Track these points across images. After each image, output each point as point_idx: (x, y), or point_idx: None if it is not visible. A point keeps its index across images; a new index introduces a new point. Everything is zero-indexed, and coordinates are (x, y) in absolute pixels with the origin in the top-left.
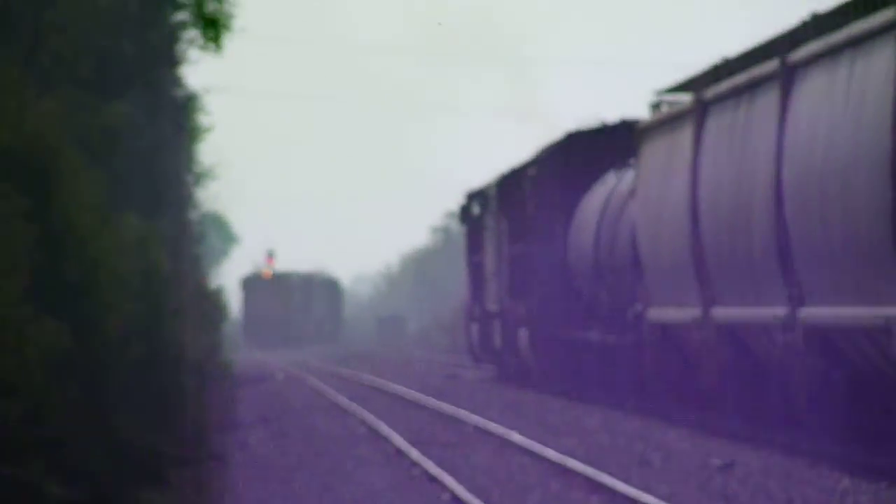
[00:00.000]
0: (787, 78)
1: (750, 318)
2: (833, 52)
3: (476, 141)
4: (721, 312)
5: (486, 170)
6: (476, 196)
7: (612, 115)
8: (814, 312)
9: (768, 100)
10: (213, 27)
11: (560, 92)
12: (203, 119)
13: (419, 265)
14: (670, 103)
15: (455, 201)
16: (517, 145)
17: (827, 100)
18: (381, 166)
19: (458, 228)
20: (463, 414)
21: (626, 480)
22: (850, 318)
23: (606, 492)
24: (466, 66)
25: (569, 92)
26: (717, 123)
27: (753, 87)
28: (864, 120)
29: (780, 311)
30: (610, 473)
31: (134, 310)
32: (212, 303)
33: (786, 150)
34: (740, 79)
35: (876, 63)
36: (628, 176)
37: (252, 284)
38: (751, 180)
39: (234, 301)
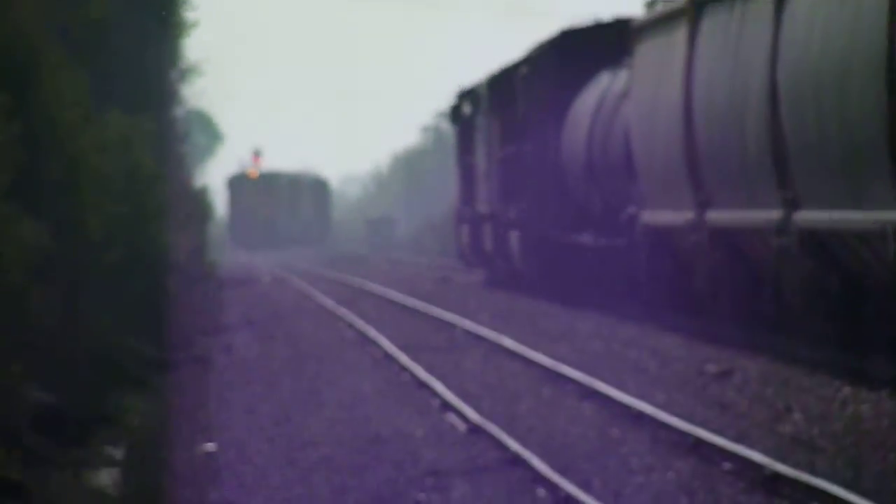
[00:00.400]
0: None
1: (744, 222)
2: None
3: (471, 38)
4: (715, 216)
5: (480, 68)
6: (467, 95)
7: (609, 13)
8: (809, 216)
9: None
10: None
11: None
12: (188, 13)
13: (409, 166)
14: (666, 2)
15: (447, 100)
16: (513, 43)
17: None
18: (371, 64)
19: (449, 129)
20: (453, 318)
21: (621, 387)
22: (845, 222)
23: (600, 399)
24: None
25: None
26: (711, 23)
27: None
28: (861, 19)
29: (774, 214)
30: (603, 380)
31: (116, 210)
32: (196, 203)
33: (781, 51)
34: None
35: None
36: (623, 76)
37: (238, 184)
38: (745, 81)
39: (220, 201)
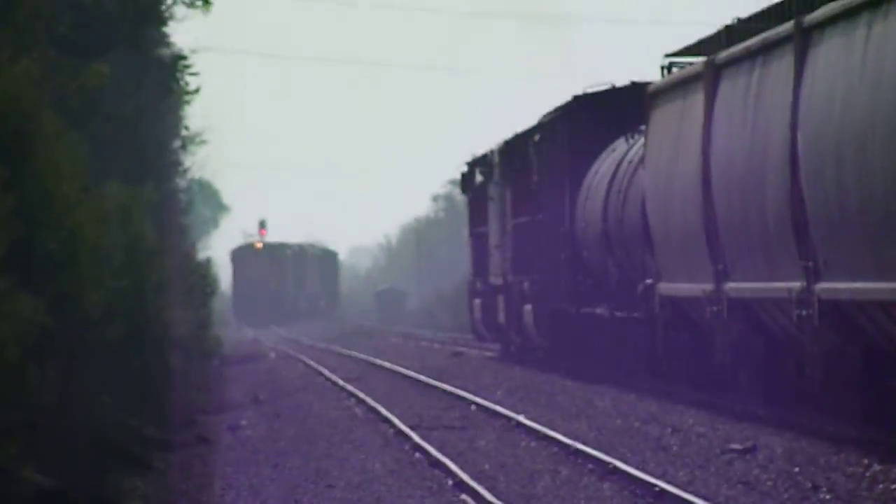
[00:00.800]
0: (803, 40)
1: (764, 292)
2: (850, 14)
3: (483, 104)
4: (734, 287)
5: (492, 135)
6: (478, 163)
7: (625, 78)
8: (830, 287)
9: (783, 63)
10: None
11: (573, 51)
12: (191, 81)
13: (420, 236)
14: (681, 66)
15: (459, 168)
16: (526, 109)
17: (844, 62)
18: (380, 132)
19: (461, 197)
20: (466, 395)
21: (642, 466)
22: (868, 292)
23: (621, 478)
24: (474, 18)
25: (582, 51)
26: (730, 87)
27: (768, 49)
28: (882, 82)
29: (795, 285)
30: (624, 459)
31: (116, 284)
32: (200, 276)
33: (801, 115)
34: (754, 41)
35: (894, 25)
36: (639, 142)
37: (242, 256)
38: (764, 147)
39: (225, 275)
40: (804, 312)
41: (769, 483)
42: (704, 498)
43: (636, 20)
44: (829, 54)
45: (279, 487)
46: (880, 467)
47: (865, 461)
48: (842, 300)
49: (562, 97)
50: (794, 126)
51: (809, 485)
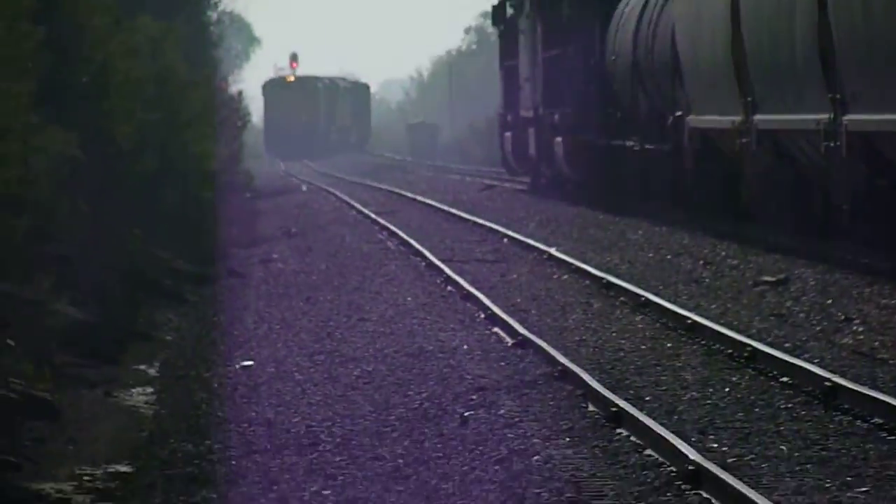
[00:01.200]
0: None
1: (792, 124)
2: None
3: None
4: (763, 119)
5: None
6: None
7: None
8: (857, 118)
9: None
10: None
11: None
12: None
13: (452, 69)
14: None
15: (490, 0)
16: None
17: None
18: None
19: (493, 30)
20: (498, 228)
21: (674, 299)
22: (895, 123)
23: (653, 311)
24: None
25: None
26: None
27: None
28: None
29: (822, 117)
30: (656, 292)
31: (147, 117)
32: (231, 110)
33: None
34: None
35: None
36: None
37: (274, 89)
38: None
39: (256, 108)
40: (832, 144)
41: (801, 315)
42: (737, 330)
43: None
44: None
45: (311, 320)
46: None
47: None
48: (869, 131)
49: None
50: None
51: (842, 316)
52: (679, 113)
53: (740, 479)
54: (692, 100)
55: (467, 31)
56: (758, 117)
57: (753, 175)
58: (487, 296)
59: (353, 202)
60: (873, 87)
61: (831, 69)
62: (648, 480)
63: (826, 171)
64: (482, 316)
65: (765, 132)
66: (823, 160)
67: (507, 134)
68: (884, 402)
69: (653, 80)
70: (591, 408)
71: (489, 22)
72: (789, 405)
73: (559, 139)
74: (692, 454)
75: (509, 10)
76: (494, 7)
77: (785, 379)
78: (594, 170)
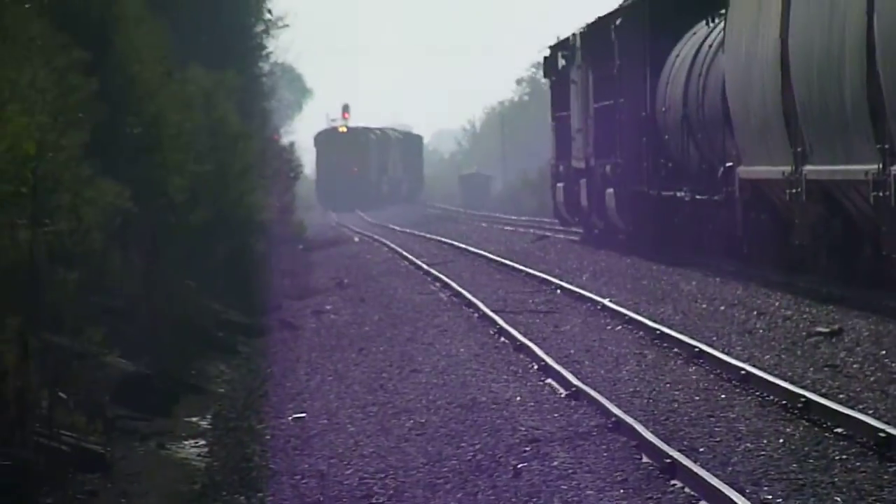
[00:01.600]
0: None
1: (841, 174)
2: None
3: None
4: (812, 169)
5: (578, 18)
6: (561, 48)
7: None
8: None
9: None
10: None
11: None
12: None
13: (504, 120)
14: None
15: (542, 52)
16: None
17: None
18: (465, 14)
19: (545, 81)
20: (552, 279)
21: (728, 350)
22: None
23: (707, 362)
24: None
25: None
26: None
27: None
28: None
29: (871, 167)
30: (709, 343)
31: (199, 169)
32: (283, 161)
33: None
34: None
35: None
36: (719, 26)
37: (326, 140)
38: (842, 31)
39: (308, 159)
40: (881, 193)
41: (856, 366)
42: (791, 381)
43: None
44: None
45: (364, 372)
46: None
47: None
48: None
49: None
50: (870, 10)
51: None
52: (730, 164)
53: None
54: (742, 150)
55: (519, 82)
56: (807, 168)
57: (804, 225)
58: (541, 347)
59: (405, 253)
60: None
61: (880, 119)
62: None
63: (875, 221)
64: (535, 367)
65: (814, 182)
66: (872, 210)
67: (559, 185)
68: None
69: (703, 131)
70: (644, 459)
71: (541, 73)
72: (843, 456)
73: (611, 190)
74: None
75: (561, 62)
76: (546, 58)
77: (839, 430)
78: (646, 221)
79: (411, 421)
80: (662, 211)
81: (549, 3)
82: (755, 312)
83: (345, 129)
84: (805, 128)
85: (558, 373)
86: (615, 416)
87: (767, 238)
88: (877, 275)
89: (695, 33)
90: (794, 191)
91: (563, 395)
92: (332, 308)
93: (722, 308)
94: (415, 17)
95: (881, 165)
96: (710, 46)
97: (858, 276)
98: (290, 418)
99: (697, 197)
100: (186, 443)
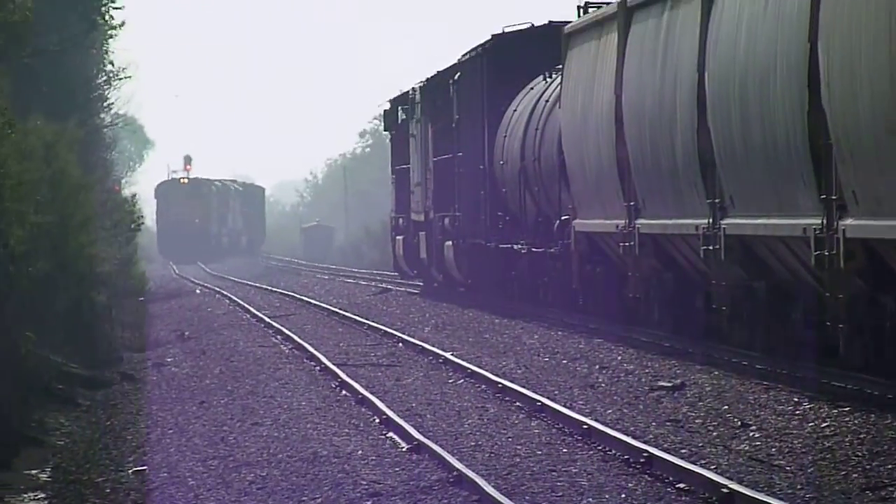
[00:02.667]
0: None
1: (673, 228)
2: None
3: (412, 39)
4: (645, 223)
5: (421, 71)
6: (400, 101)
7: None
8: (735, 223)
9: (692, 4)
10: None
11: None
12: (115, 15)
13: (347, 172)
14: (597, 7)
15: (383, 105)
16: (456, 43)
17: (749, 3)
18: (307, 66)
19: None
20: (393, 332)
21: (570, 404)
22: (770, 227)
23: (549, 416)
24: None
25: None
26: (641, 28)
27: None
28: (784, 23)
29: (702, 221)
30: (552, 397)
31: (40, 220)
32: (125, 212)
33: (708, 56)
34: None
35: None
36: (557, 81)
37: (167, 192)
38: (674, 87)
39: (150, 210)
40: (711, 247)
41: (698, 421)
42: (633, 436)
43: None
44: None
45: (205, 425)
46: (810, 405)
47: (795, 399)
48: (746, 235)
49: (487, 33)
50: (701, 66)
51: (739, 423)
52: (565, 216)
53: None
54: (578, 203)
55: (362, 134)
56: (640, 221)
57: (637, 278)
58: (382, 400)
59: (247, 305)
60: (750, 191)
61: (710, 174)
62: None
63: (706, 273)
64: (377, 420)
65: (647, 236)
66: (703, 263)
67: (399, 237)
68: None
69: (540, 184)
70: None
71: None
72: None
73: (449, 243)
74: None
75: (401, 115)
76: (386, 111)
77: (682, 485)
78: (484, 273)
79: (252, 474)
80: (501, 263)
81: (393, 55)
82: (597, 366)
83: (186, 181)
84: (638, 181)
85: (400, 426)
86: (457, 469)
87: (603, 290)
88: (709, 327)
89: (532, 88)
90: (627, 244)
91: (404, 449)
92: (173, 360)
93: (564, 362)
94: (257, 68)
95: (710, 220)
96: (547, 101)
97: (689, 327)
98: (130, 471)
99: (534, 249)
100: (26, 495)
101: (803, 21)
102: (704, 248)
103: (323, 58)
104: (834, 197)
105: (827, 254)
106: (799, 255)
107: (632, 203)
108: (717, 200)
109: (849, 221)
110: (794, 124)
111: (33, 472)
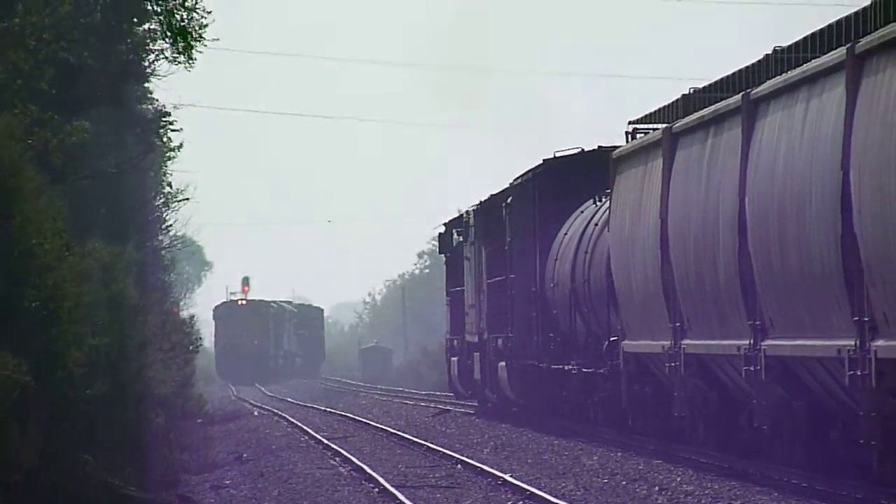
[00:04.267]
0: (750, 111)
1: (716, 349)
2: (791, 88)
3: (470, 159)
4: (690, 343)
5: (478, 192)
6: (455, 224)
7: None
8: (774, 344)
9: (733, 132)
10: (183, 38)
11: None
12: (173, 137)
13: (405, 293)
14: (644, 132)
15: (439, 227)
16: (512, 162)
17: (786, 132)
18: (365, 188)
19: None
20: (452, 454)
21: None
22: (807, 348)
23: None
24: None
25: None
26: (686, 154)
27: (719, 119)
28: (817, 151)
29: (743, 342)
30: None
31: (98, 342)
32: (183, 334)
33: (748, 181)
34: (707, 111)
35: (829, 99)
36: (606, 205)
37: (225, 313)
38: (716, 211)
39: (208, 332)
40: (752, 368)
41: None
42: None
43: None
44: (773, 125)
45: None
46: None
47: None
48: (785, 356)
49: (546, 150)
50: (742, 192)
51: None
52: (614, 338)
53: None
54: (626, 325)
55: (420, 255)
56: (685, 342)
57: (682, 397)
58: None
59: (305, 427)
60: (788, 314)
61: (751, 296)
62: None
63: (749, 392)
64: None
65: (692, 356)
66: (745, 383)
67: (454, 359)
68: None
69: (590, 306)
70: None
71: None
72: None
73: (503, 363)
74: None
75: (455, 238)
76: (441, 234)
77: None
78: (537, 393)
79: None
80: (552, 383)
81: (450, 176)
82: (657, 487)
83: (244, 302)
84: (683, 303)
85: None
86: None
87: (650, 409)
88: (751, 445)
89: (582, 211)
90: (673, 364)
91: None
92: (231, 483)
93: (623, 483)
94: (314, 189)
95: (752, 341)
96: (597, 224)
97: (732, 446)
98: None
99: (584, 370)
100: None
101: (836, 149)
102: (746, 368)
103: (384, 177)
104: (866, 319)
105: (860, 373)
106: (834, 375)
107: (677, 324)
108: (757, 322)
109: (880, 342)
110: (827, 248)
111: None
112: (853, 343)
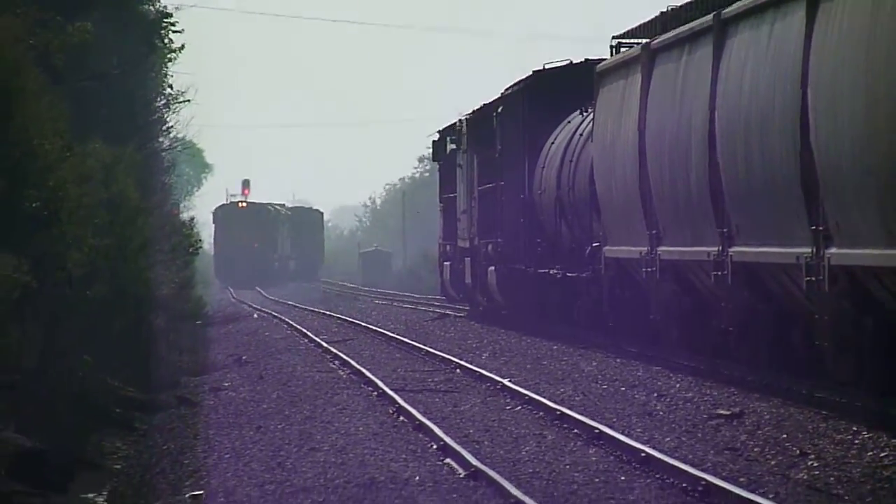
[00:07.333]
0: (721, 30)
1: (689, 255)
2: (759, 9)
3: (472, 65)
4: (665, 250)
5: (480, 97)
6: (448, 132)
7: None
8: (741, 251)
9: (705, 49)
10: None
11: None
12: (175, 38)
13: (405, 197)
14: (627, 47)
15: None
16: (517, 70)
17: (753, 51)
18: (367, 92)
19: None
20: (451, 358)
21: (627, 432)
22: (770, 255)
23: (607, 443)
24: None
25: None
26: (662, 70)
27: (693, 37)
28: (780, 70)
29: (713, 249)
30: (609, 424)
31: (98, 244)
32: (183, 236)
33: (718, 97)
34: (682, 29)
35: (791, 23)
36: (591, 116)
37: (225, 216)
38: (688, 125)
39: (207, 234)
40: (720, 273)
41: (756, 450)
42: (691, 464)
43: None
44: (742, 44)
45: (262, 450)
46: (869, 435)
47: (854, 428)
48: (750, 262)
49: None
50: (712, 107)
51: (797, 451)
52: (596, 244)
53: None
54: (607, 231)
55: (420, 159)
56: (661, 248)
57: (659, 300)
58: (440, 426)
59: (304, 330)
60: (754, 222)
61: (720, 206)
62: None
63: (718, 297)
64: (434, 447)
65: (667, 262)
66: (715, 288)
67: (447, 263)
68: None
69: (574, 213)
70: None
71: None
72: None
73: (492, 268)
74: None
75: (449, 145)
76: (435, 142)
77: None
78: (524, 297)
79: (309, 499)
80: (538, 288)
81: (448, 80)
82: (655, 394)
83: (244, 205)
84: (659, 211)
85: (457, 452)
86: (514, 496)
87: (629, 313)
88: (716, 348)
89: (569, 122)
90: (649, 269)
91: (462, 476)
92: (230, 385)
93: (622, 389)
94: (318, 92)
95: (720, 248)
96: (581, 134)
97: (702, 348)
98: (187, 496)
99: (568, 274)
100: None
101: (797, 69)
102: (714, 273)
103: (384, 82)
104: (821, 228)
105: (815, 279)
106: (795, 280)
107: (654, 231)
108: (725, 230)
109: (833, 250)
110: (788, 161)
111: (90, 496)
112: (810, 251)
